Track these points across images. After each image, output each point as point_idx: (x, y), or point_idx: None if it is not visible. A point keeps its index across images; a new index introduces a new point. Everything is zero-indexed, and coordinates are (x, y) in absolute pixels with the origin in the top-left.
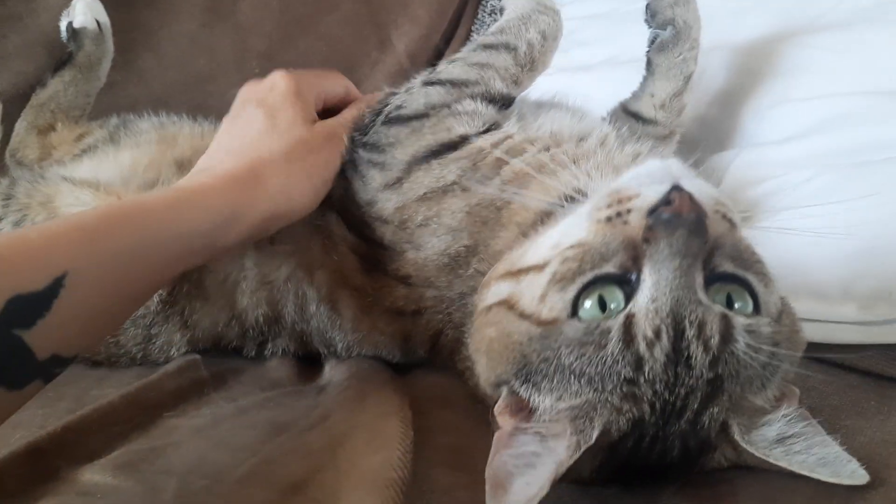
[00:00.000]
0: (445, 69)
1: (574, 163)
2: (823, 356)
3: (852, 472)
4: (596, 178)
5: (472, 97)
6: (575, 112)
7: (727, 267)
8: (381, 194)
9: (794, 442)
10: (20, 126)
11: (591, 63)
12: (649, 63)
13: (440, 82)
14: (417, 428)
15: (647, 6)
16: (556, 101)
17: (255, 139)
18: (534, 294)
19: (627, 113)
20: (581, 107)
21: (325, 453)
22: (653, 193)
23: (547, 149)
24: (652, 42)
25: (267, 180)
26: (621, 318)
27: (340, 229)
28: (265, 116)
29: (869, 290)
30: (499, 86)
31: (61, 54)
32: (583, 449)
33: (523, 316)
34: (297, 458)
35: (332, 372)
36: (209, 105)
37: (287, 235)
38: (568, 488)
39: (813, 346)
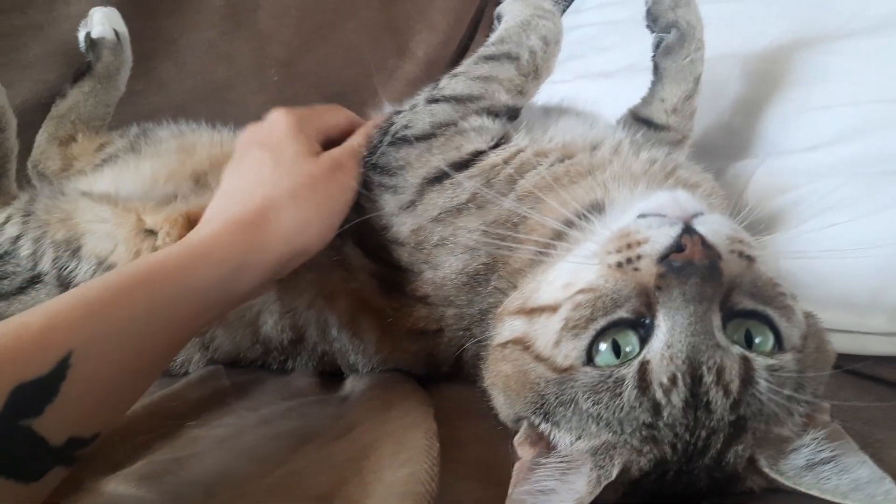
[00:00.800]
0: (448, 85)
1: (590, 174)
2: (854, 368)
3: (887, 494)
4: (613, 189)
5: (478, 112)
6: (585, 118)
7: (746, 304)
8: (396, 218)
9: (825, 467)
10: (41, 137)
11: (612, 69)
12: (656, 68)
13: (444, 99)
14: (443, 440)
15: (648, 11)
16: (564, 106)
17: (260, 180)
18: (548, 338)
19: (638, 120)
20: (591, 112)
21: (351, 466)
22: (663, 238)
23: (561, 160)
24: (657, 46)
25: (277, 220)
26: (635, 364)
27: (359, 259)
28: (269, 156)
29: None
30: (504, 98)
31: (79, 64)
32: (603, 485)
33: (539, 359)
34: (322, 469)
35: (354, 382)
36: (228, 113)
37: (306, 266)
38: None
39: (843, 358)
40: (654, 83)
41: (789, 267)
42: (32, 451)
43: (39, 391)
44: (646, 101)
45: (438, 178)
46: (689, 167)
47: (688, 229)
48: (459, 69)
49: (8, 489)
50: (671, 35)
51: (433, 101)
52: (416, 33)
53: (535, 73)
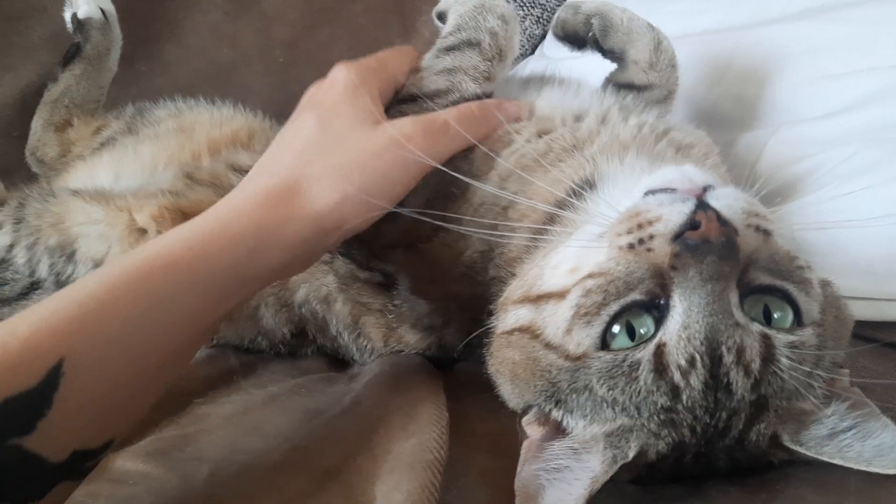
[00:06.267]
0: (414, 84)
1: (576, 149)
2: (873, 336)
3: None
4: (602, 162)
5: (447, 107)
6: (568, 86)
7: (764, 279)
8: (383, 225)
9: (846, 435)
10: (36, 124)
11: None
12: (612, 52)
13: (412, 98)
14: (454, 414)
15: (559, 37)
16: (547, 76)
17: (300, 149)
18: (558, 326)
19: (619, 86)
20: (574, 79)
21: (360, 438)
22: (676, 216)
23: (538, 136)
24: (594, 42)
25: (308, 195)
26: (651, 347)
27: (351, 270)
28: (317, 122)
29: None
30: (472, 87)
31: (69, 47)
32: (619, 464)
33: (549, 347)
34: (330, 443)
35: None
36: (233, 94)
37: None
38: None
39: (863, 325)
40: (618, 60)
41: (806, 236)
42: (27, 471)
43: (28, 406)
44: (621, 68)
45: None
46: (682, 128)
47: (701, 204)
48: (421, 65)
49: None
50: (595, 24)
51: (402, 101)
52: (422, 13)
53: (499, 55)
